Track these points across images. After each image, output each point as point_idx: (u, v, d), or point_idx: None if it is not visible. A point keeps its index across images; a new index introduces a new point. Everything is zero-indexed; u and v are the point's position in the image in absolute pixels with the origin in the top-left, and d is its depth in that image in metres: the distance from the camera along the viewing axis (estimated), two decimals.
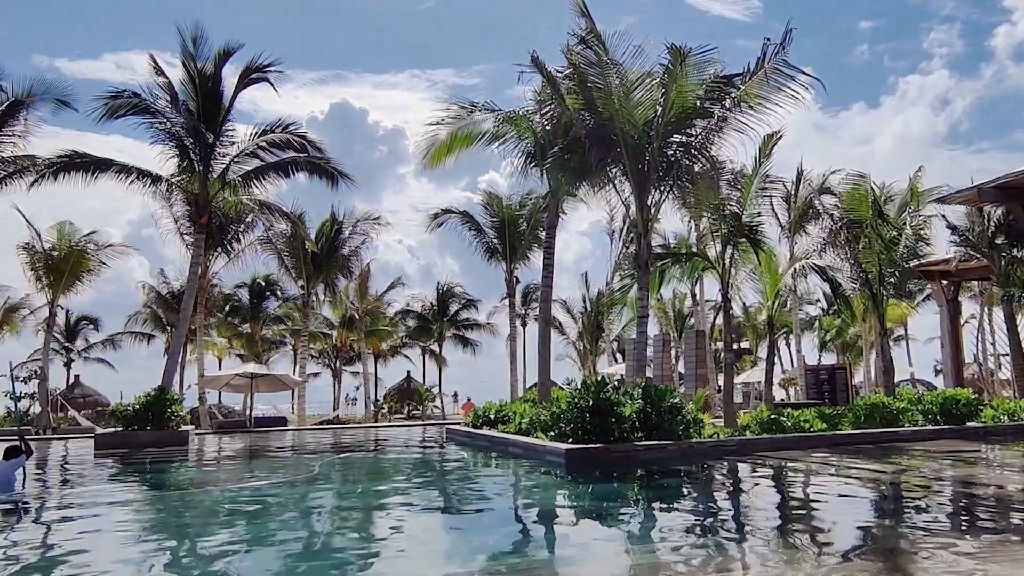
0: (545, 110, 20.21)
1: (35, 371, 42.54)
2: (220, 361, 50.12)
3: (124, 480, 14.84)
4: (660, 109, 17.27)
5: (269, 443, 23.14)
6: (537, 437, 15.37)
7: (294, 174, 25.50)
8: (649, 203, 17.89)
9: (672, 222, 57.81)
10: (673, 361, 33.12)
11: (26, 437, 12.70)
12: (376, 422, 38.68)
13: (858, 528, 7.93)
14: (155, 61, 23.78)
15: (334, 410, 48.58)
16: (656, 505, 9.85)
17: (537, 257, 32.72)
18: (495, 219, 33.73)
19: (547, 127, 20.27)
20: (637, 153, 17.44)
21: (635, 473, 12.53)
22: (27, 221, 31.08)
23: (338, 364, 54.44)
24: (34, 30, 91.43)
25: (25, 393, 44.06)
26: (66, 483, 14.23)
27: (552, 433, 14.70)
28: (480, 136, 20.14)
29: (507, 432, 17.70)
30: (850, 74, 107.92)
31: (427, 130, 20.30)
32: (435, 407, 47.83)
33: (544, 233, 23.48)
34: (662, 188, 18.15)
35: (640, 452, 13.48)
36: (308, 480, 13.55)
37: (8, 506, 10.55)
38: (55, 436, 28.54)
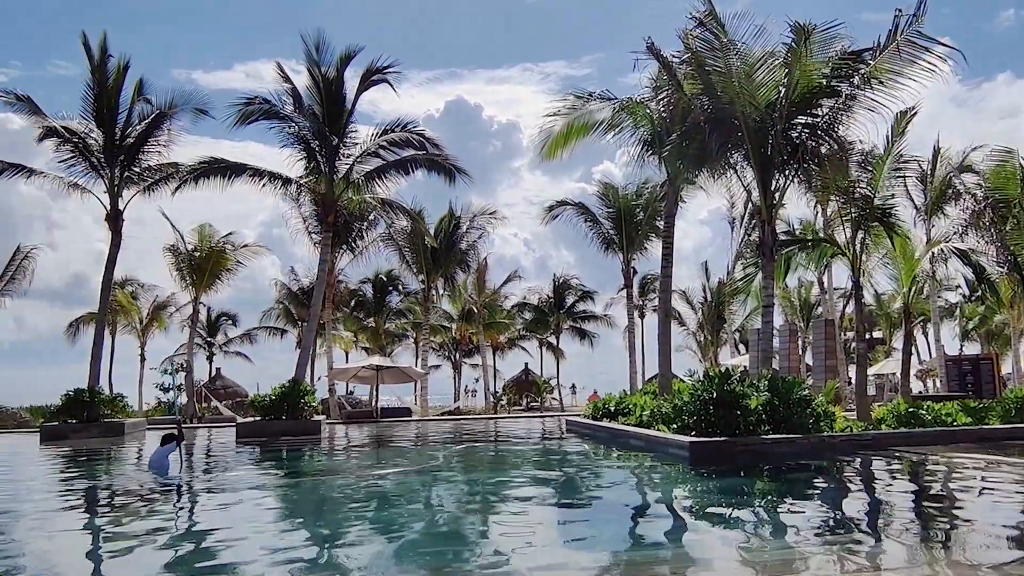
0: (661, 96, 19.84)
1: (181, 364, 45.67)
2: (347, 354, 52.16)
3: (263, 466, 15.71)
4: (784, 90, 16.60)
5: (395, 433, 23.92)
6: (659, 430, 15.17)
7: (413, 171, 26.19)
8: (773, 188, 17.25)
9: (797, 207, 55.53)
10: (800, 352, 31.88)
11: (181, 426, 13.69)
12: (495, 413, 39.22)
13: (1011, 533, 7.38)
14: (282, 69, 24.96)
15: (455, 401, 49.60)
16: (785, 501, 9.51)
17: (654, 247, 32.24)
18: (611, 209, 33.43)
19: (664, 114, 19.89)
20: (760, 137, 16.85)
21: (762, 468, 12.15)
22: (172, 225, 33.33)
23: (458, 356, 55.55)
24: (172, 46, 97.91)
25: (173, 385, 47.43)
26: (214, 468, 15.20)
27: (674, 426, 14.47)
28: (595, 126, 19.98)
29: (628, 424, 17.56)
30: (994, 43, 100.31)
31: (543, 122, 20.33)
32: (553, 399, 48.02)
33: (662, 222, 23.10)
34: (787, 172, 17.46)
35: (767, 446, 13.05)
36: (433, 469, 13.92)
37: (165, 487, 11.40)
38: (200, 424, 30.55)
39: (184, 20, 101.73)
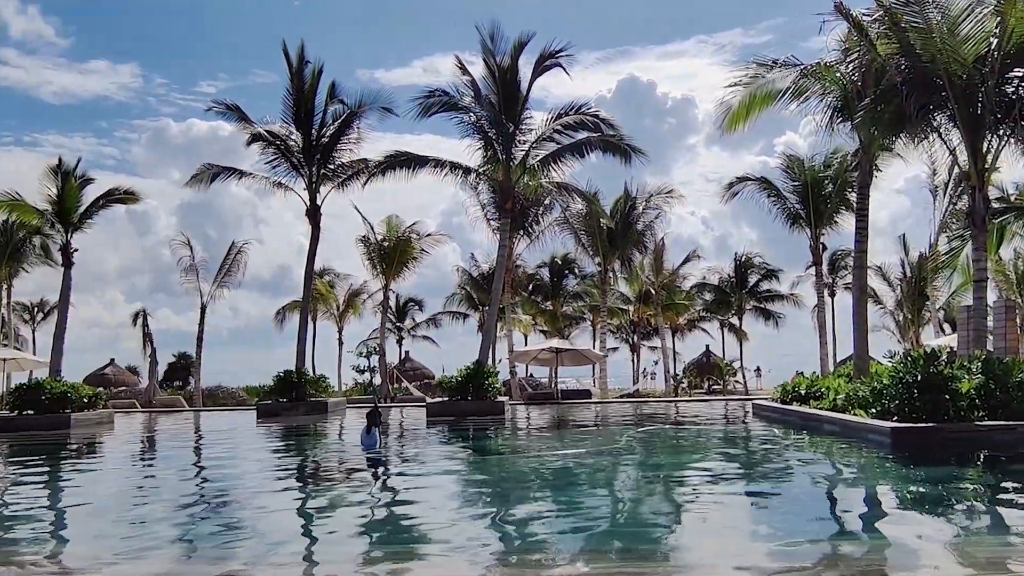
0: (851, 59, 18.53)
1: (375, 347, 48.63)
2: (526, 337, 53.27)
3: (454, 444, 16.47)
4: (995, 41, 14.99)
5: (575, 414, 24.18)
6: (855, 414, 14.29)
7: (588, 154, 26.20)
8: (984, 151, 15.66)
9: (1013, 171, 50.01)
10: (1019, 331, 28.80)
11: (377, 406, 14.64)
12: (676, 396, 38.62)
13: None
14: (459, 61, 25.79)
15: (634, 384, 49.33)
16: (1005, 494, 8.67)
17: (845, 220, 30.30)
18: (796, 183, 31.72)
19: (855, 77, 18.58)
20: (967, 95, 15.33)
21: (976, 457, 11.14)
22: (363, 217, 35.53)
23: (636, 339, 55.13)
24: (356, 49, 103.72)
25: (367, 367, 50.60)
26: (411, 445, 16.12)
27: (873, 410, 13.57)
28: (779, 95, 18.97)
29: (820, 408, 16.69)
30: None
31: (721, 95, 19.61)
32: (736, 382, 46.52)
33: (854, 194, 21.65)
34: (1000, 132, 15.79)
35: (982, 433, 11.93)
36: (615, 451, 13.96)
37: (371, 461, 12.25)
38: (393, 404, 32.41)
39: (366, 23, 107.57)
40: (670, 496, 9.07)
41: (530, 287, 48.46)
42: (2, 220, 35.29)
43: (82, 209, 25.60)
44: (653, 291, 43.17)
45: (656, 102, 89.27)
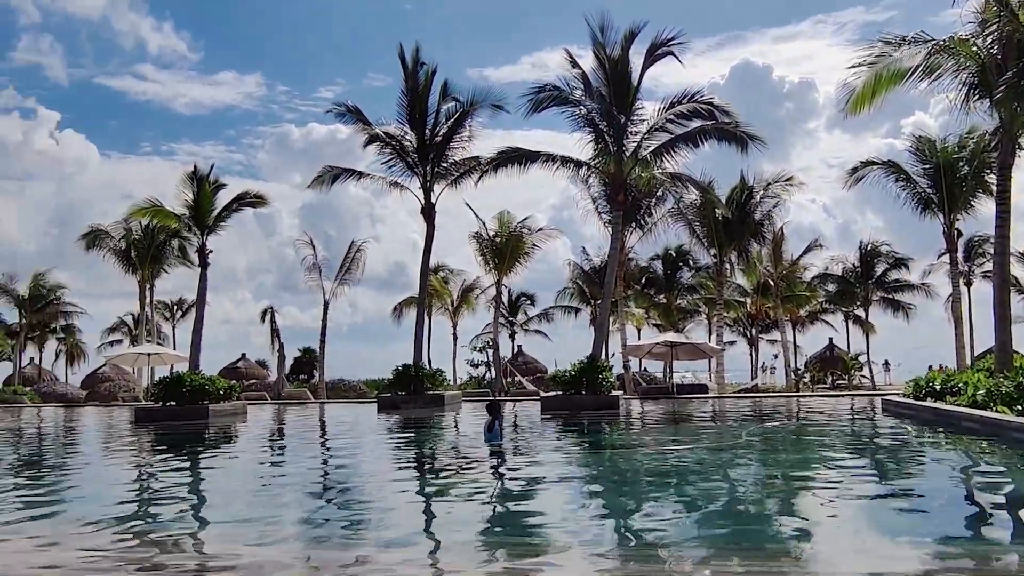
0: (990, 31, 17.27)
1: (487, 342, 49.32)
2: (639, 331, 52.68)
3: (568, 438, 16.50)
4: None
5: (691, 410, 23.73)
6: (998, 411, 13.36)
7: (702, 143, 25.56)
8: None
9: None
10: None
11: (496, 399, 14.85)
12: (797, 391, 37.23)
13: None
14: (569, 55, 25.70)
15: (752, 379, 47.91)
16: None
17: (982, 204, 28.40)
18: (927, 166, 29.89)
19: (994, 51, 17.32)
20: None
21: None
22: (475, 214, 36.07)
23: (754, 332, 53.51)
24: (465, 48, 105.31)
25: (482, 361, 51.40)
26: (527, 438, 16.27)
27: (1018, 407, 12.66)
28: (907, 74, 17.91)
29: (958, 404, 15.69)
30: None
31: (844, 76, 18.70)
32: (863, 376, 44.38)
33: (994, 175, 20.17)
34: None
35: None
36: (735, 447, 13.61)
37: (494, 451, 12.46)
38: (507, 398, 32.75)
39: (475, 23, 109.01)
40: (795, 494, 8.76)
41: (643, 280, 47.85)
42: (145, 225, 38.04)
43: (216, 213, 27.16)
44: (772, 282, 41.77)
45: (772, 87, 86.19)
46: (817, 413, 21.62)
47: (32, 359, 57.21)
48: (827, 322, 52.17)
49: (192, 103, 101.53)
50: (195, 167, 27.53)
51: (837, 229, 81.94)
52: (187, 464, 13.19)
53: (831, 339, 51.41)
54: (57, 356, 62.05)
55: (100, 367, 53.75)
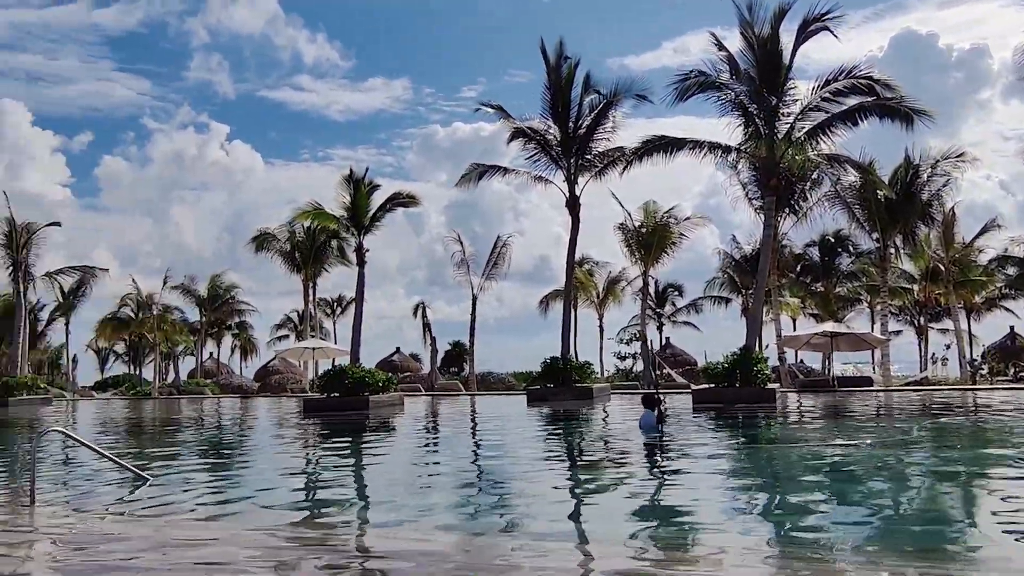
0: None
1: (635, 334, 48.89)
2: (794, 321, 50.46)
3: (722, 431, 16.07)
4: None
5: (854, 404, 22.48)
6: None
7: (862, 121, 24.11)
8: None
9: None
10: None
11: (659, 392, 14.65)
12: (974, 384, 34.40)
13: None
14: (715, 37, 25.00)
15: (921, 371, 44.77)
16: None
17: None
18: None
19: None
20: None
21: None
22: (621, 204, 35.81)
23: (922, 320, 49.96)
24: (604, 37, 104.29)
25: (629, 353, 51.03)
26: (679, 431, 16.00)
27: None
28: None
29: None
30: None
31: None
32: None
33: None
34: None
35: None
36: (904, 443, 12.77)
37: (650, 444, 12.36)
38: (656, 391, 32.22)
39: (613, 11, 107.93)
40: (974, 495, 8.11)
41: (798, 268, 45.78)
42: (307, 227, 40.48)
43: (371, 213, 28.49)
44: (942, 267, 38.80)
45: (938, 56, 79.86)
46: (998, 408, 19.88)
47: (211, 354, 62.30)
48: (1008, 309, 47.91)
49: (345, 110, 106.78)
50: (351, 171, 29.01)
51: (1018, 206, 75.03)
52: (351, 452, 13.92)
53: (1012, 327, 47.18)
54: (233, 351, 67.30)
55: (270, 361, 57.83)
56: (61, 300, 52.61)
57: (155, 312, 49.68)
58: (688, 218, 37.75)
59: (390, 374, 29.56)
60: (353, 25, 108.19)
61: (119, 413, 29.10)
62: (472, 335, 42.97)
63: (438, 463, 12.30)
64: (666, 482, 9.46)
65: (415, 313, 61.88)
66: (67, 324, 53.88)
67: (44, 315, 56.79)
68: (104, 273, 50.56)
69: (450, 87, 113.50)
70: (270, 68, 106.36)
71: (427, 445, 15.35)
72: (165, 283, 49.99)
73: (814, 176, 32.27)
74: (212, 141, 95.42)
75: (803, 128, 24.58)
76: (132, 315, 52.01)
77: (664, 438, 12.81)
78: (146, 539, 6.36)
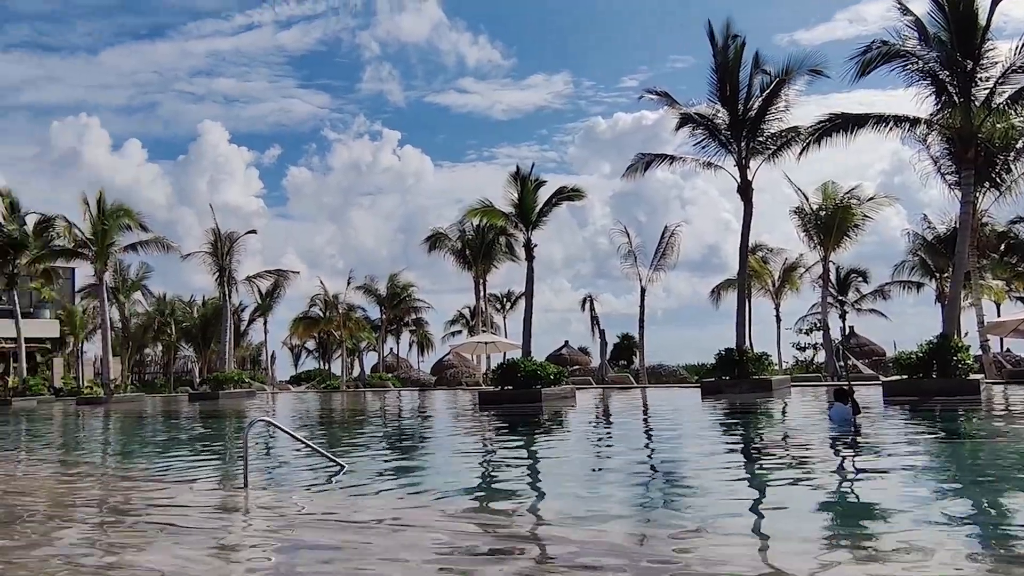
0: None
1: (815, 323, 46.39)
2: (998, 306, 45.85)
3: (918, 425, 14.93)
4: None
5: None
6: None
7: None
8: None
9: None
10: None
11: (851, 384, 13.84)
12: None
13: None
14: (899, 1, 23.09)
15: None
16: None
17: None
18: None
19: None
20: None
21: None
22: (796, 187, 34.07)
23: None
24: (772, 13, 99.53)
25: (809, 344, 48.54)
26: (870, 425, 15.05)
27: None
28: None
29: None
30: None
31: None
32: None
33: None
34: None
35: None
36: None
37: (839, 438, 11.73)
38: (840, 383, 30.43)
39: None
40: None
41: (1002, 248, 41.51)
42: (476, 225, 41.68)
43: (538, 208, 28.87)
44: None
45: None
46: None
47: (391, 349, 65.65)
48: None
49: (508, 108, 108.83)
50: (517, 168, 29.53)
51: None
52: (525, 443, 14.20)
53: None
54: (411, 346, 70.51)
55: (445, 355, 60.14)
56: (260, 301, 57.44)
57: (341, 311, 53.05)
58: (872, 198, 35.29)
59: (561, 367, 29.84)
60: (513, 24, 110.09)
61: (313, 405, 31.38)
62: (641, 327, 42.47)
63: (611, 456, 12.28)
64: (857, 478, 8.92)
65: (582, 306, 62.01)
66: (265, 323, 58.79)
67: (245, 316, 62.29)
68: (295, 275, 54.91)
69: (610, 78, 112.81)
70: (436, 73, 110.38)
71: (600, 438, 15.36)
72: (349, 283, 53.40)
73: (1019, 145, 29.19)
74: (385, 147, 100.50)
75: (1004, 93, 22.24)
76: (321, 314, 55.81)
77: (856, 432, 12.08)
78: (345, 522, 6.82)
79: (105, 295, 43.38)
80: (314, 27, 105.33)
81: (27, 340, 43.93)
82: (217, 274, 46.36)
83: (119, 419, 26.03)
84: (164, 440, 18.40)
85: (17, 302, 43.30)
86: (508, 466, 11.09)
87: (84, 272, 51.91)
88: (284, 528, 6.51)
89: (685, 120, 28.03)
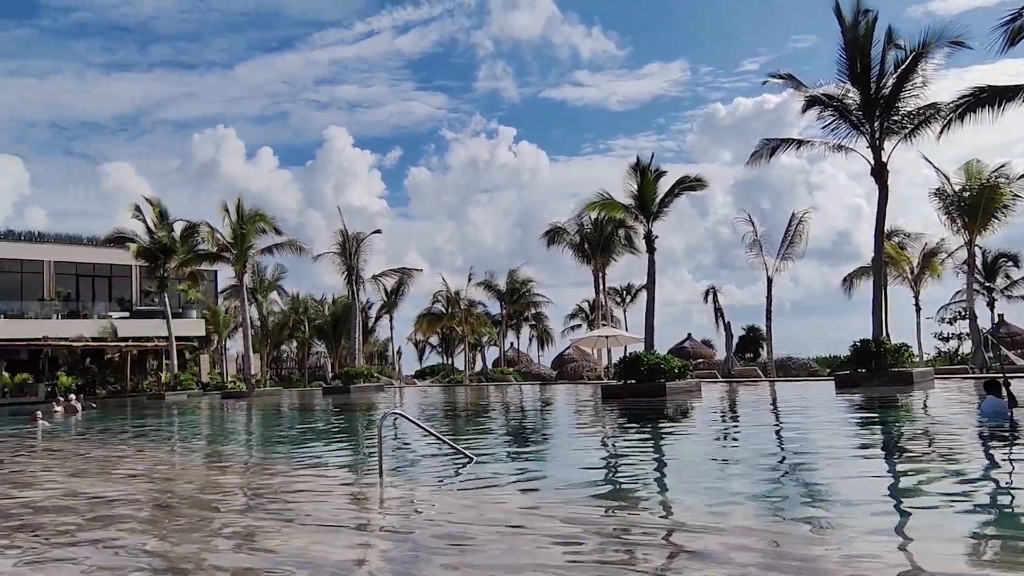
0: None
1: (959, 312, 43.48)
2: None
3: None
4: None
5: None
6: None
7: None
8: None
9: None
10: None
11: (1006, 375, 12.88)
12: None
13: None
14: None
15: None
16: None
17: None
18: None
19: None
20: None
21: None
22: (935, 168, 31.93)
23: None
24: None
25: (953, 334, 45.57)
26: None
27: None
28: None
29: None
30: None
31: None
32: None
33: None
34: None
35: None
36: None
37: (996, 431, 11.02)
38: (992, 375, 28.39)
39: None
40: None
41: None
42: (594, 218, 41.51)
43: (659, 199, 28.42)
44: None
45: None
46: None
47: (512, 344, 66.41)
48: None
49: (623, 99, 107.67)
50: (637, 159, 29.19)
51: None
52: (651, 437, 14.04)
53: None
54: (530, 341, 71.12)
55: (565, 349, 60.28)
56: (386, 299, 59.48)
57: (462, 307, 54.15)
58: (1022, 176, 32.57)
59: (685, 361, 29.29)
60: (627, 14, 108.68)
61: (438, 399, 32.20)
62: (768, 318, 41.08)
63: (740, 449, 11.95)
64: (1015, 474, 8.29)
65: (705, 298, 60.69)
66: (391, 320, 60.84)
67: (372, 313, 64.62)
68: (419, 273, 56.48)
69: (729, 63, 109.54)
70: (550, 67, 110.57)
71: (728, 432, 14.98)
72: (470, 280, 54.44)
73: None
74: (501, 144, 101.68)
75: None
76: (443, 310, 57.17)
77: (1012, 427, 11.23)
78: (477, 512, 6.96)
79: (245, 295, 46.06)
80: (430, 30, 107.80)
81: (177, 338, 47.23)
82: (346, 273, 48.30)
83: (260, 411, 27.61)
84: (302, 431, 19.37)
85: (168, 303, 46.63)
86: (634, 459, 11.00)
87: (225, 274, 55.42)
88: (417, 518, 6.72)
89: (812, 102, 26.83)
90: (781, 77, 27.38)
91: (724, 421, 17.49)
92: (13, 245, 49.97)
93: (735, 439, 13.67)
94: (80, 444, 16.88)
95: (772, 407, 20.71)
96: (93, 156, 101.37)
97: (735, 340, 49.29)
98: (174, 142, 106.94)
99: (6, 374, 45.71)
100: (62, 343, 46.31)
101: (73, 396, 31.29)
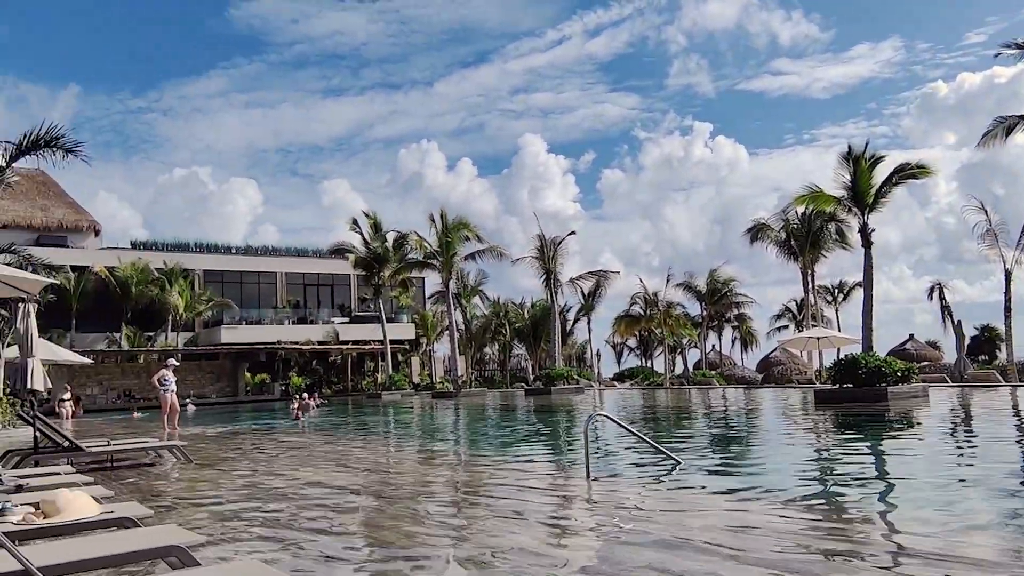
0: None
1: None
2: None
3: None
4: None
5: None
6: None
7: None
8: None
9: None
10: None
11: None
12: None
13: None
14: None
15: None
16: None
17: None
18: None
19: None
20: None
21: None
22: None
23: None
24: None
25: None
26: None
27: None
28: None
29: None
30: None
31: None
32: None
33: None
34: None
35: None
36: None
37: None
38: None
39: None
40: None
41: None
42: (801, 213, 39.36)
43: (875, 189, 26.39)
44: None
45: None
46: None
47: (713, 346, 64.51)
48: None
49: (829, 85, 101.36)
50: (849, 147, 27.27)
51: None
52: (871, 445, 13.05)
53: None
54: (733, 342, 68.69)
55: (772, 351, 57.55)
56: (583, 302, 59.94)
57: (661, 308, 53.35)
58: None
59: (911, 364, 26.95)
60: None
61: (639, 401, 31.95)
62: (1008, 317, 36.78)
63: (977, 466, 10.77)
64: None
65: (929, 295, 55.67)
66: (588, 322, 61.19)
67: (570, 315, 65.38)
68: (615, 275, 56.43)
69: (950, 36, 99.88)
70: (747, 58, 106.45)
71: (960, 442, 13.59)
72: (668, 281, 53.51)
73: None
74: (696, 141, 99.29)
75: None
76: (641, 312, 56.65)
77: None
78: (685, 515, 6.83)
79: (451, 300, 48.36)
80: (620, 31, 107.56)
81: (391, 341, 50.50)
82: (544, 277, 49.26)
83: (468, 410, 28.84)
84: (509, 430, 20.00)
85: (382, 309, 50.00)
86: (852, 469, 10.28)
87: (432, 280, 58.55)
88: (625, 519, 6.70)
89: None
90: (1018, 47, 24.49)
91: (957, 431, 15.88)
92: (252, 259, 56.25)
93: (969, 449, 12.38)
94: (337, 439, 18.46)
95: (1016, 416, 18.53)
96: (314, 175, 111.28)
97: (967, 341, 44.68)
98: (383, 158, 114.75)
99: (248, 374, 51.31)
100: (293, 346, 51.15)
101: (306, 395, 34.41)
